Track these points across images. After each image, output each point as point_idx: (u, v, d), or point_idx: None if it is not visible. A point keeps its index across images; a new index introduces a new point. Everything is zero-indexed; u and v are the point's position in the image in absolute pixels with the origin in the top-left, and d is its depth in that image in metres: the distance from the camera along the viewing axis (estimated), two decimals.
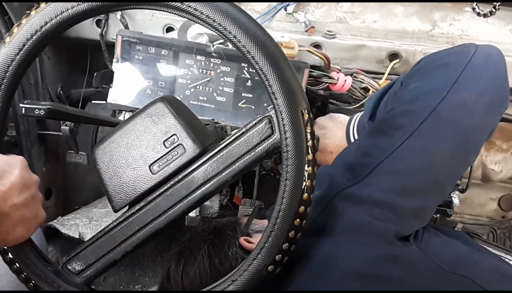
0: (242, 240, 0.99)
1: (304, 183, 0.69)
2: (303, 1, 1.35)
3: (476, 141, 0.89)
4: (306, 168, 0.69)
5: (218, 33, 0.68)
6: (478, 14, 1.07)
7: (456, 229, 1.72)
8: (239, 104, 1.27)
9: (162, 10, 0.70)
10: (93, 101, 1.56)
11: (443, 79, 0.87)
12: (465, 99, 0.84)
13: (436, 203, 0.91)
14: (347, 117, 1.17)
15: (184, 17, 0.70)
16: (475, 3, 1.05)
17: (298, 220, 0.70)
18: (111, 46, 1.36)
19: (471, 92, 0.85)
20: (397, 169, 0.84)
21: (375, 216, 0.82)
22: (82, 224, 1.49)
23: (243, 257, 0.96)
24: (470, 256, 0.87)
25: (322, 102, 1.45)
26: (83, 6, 0.69)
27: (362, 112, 1.10)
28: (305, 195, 0.69)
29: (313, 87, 1.34)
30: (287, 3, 1.33)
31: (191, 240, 1.05)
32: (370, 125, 1.01)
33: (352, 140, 1.10)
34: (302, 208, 0.70)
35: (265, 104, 1.27)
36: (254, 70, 0.69)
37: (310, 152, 0.70)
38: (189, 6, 0.67)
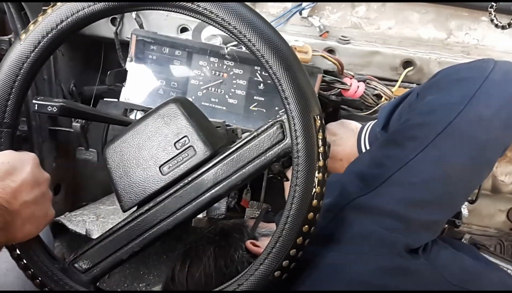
0: (248, 243, 0.98)
1: (314, 189, 0.69)
2: (320, 1, 1.35)
3: (490, 156, 0.89)
4: (316, 174, 0.69)
5: (233, 36, 0.68)
6: (496, 26, 1.06)
7: (463, 239, 1.71)
8: (251, 107, 1.27)
9: (177, 12, 0.70)
10: (105, 99, 1.56)
11: (461, 93, 0.86)
12: (481, 115, 0.84)
13: (447, 216, 0.91)
14: (358, 125, 1.16)
15: (199, 19, 0.70)
16: (493, 14, 1.04)
17: (306, 226, 0.70)
18: (125, 44, 1.36)
19: (488, 107, 0.84)
20: (410, 180, 0.84)
21: (385, 227, 0.81)
22: (89, 221, 1.49)
23: (249, 260, 0.96)
24: (478, 270, 0.87)
25: (334, 108, 1.45)
26: (99, 5, 0.70)
27: (375, 121, 1.09)
28: (315, 201, 0.69)
29: (325, 93, 1.33)
30: (302, 7, 1.33)
31: (197, 241, 1.05)
32: (384, 135, 1.00)
33: (363, 149, 1.09)
34: (311, 214, 0.69)
35: (276, 108, 1.26)
36: (267, 74, 0.69)
37: (321, 158, 0.69)
38: (205, 9, 0.67)
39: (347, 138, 1.15)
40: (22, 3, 1.27)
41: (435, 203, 0.84)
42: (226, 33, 0.69)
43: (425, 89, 0.95)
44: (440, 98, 0.89)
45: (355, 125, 1.18)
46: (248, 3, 0.69)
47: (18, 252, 0.74)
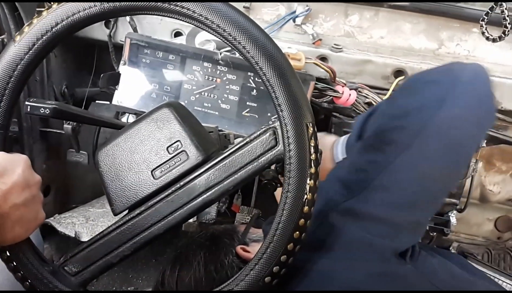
0: (239, 248, 0.98)
1: (305, 196, 0.69)
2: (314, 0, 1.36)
3: (466, 155, 0.91)
4: (308, 181, 0.69)
5: (227, 42, 0.68)
6: (487, 38, 1.07)
7: (451, 248, 1.72)
8: (243, 113, 1.27)
9: (172, 17, 0.70)
10: (97, 101, 1.56)
11: (433, 95, 0.87)
12: (455, 115, 0.84)
13: (429, 216, 0.93)
14: (335, 138, 1.16)
15: (194, 24, 0.70)
16: (485, 27, 1.05)
17: (297, 232, 0.70)
18: (118, 47, 1.36)
19: (461, 108, 0.85)
20: (392, 184, 0.84)
21: (371, 232, 0.82)
22: (79, 223, 1.49)
23: (239, 266, 0.96)
24: (465, 278, 0.88)
25: (326, 115, 1.45)
26: (95, 9, 0.69)
27: (348, 134, 1.09)
28: (306, 208, 0.69)
29: (317, 100, 1.34)
30: (296, 15, 1.33)
31: (187, 246, 1.05)
32: (362, 142, 1.01)
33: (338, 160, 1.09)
34: (302, 221, 0.69)
35: (269, 114, 1.27)
36: (260, 80, 0.70)
37: (313, 165, 0.69)
38: (200, 15, 0.67)
39: (324, 151, 1.14)
40: (16, 3, 1.27)
41: (418, 203, 0.85)
42: (220, 39, 0.69)
43: (396, 95, 0.96)
44: (413, 101, 0.89)
45: (330, 139, 1.17)
46: (239, 4, 0.69)
47: (8, 254, 0.74)
